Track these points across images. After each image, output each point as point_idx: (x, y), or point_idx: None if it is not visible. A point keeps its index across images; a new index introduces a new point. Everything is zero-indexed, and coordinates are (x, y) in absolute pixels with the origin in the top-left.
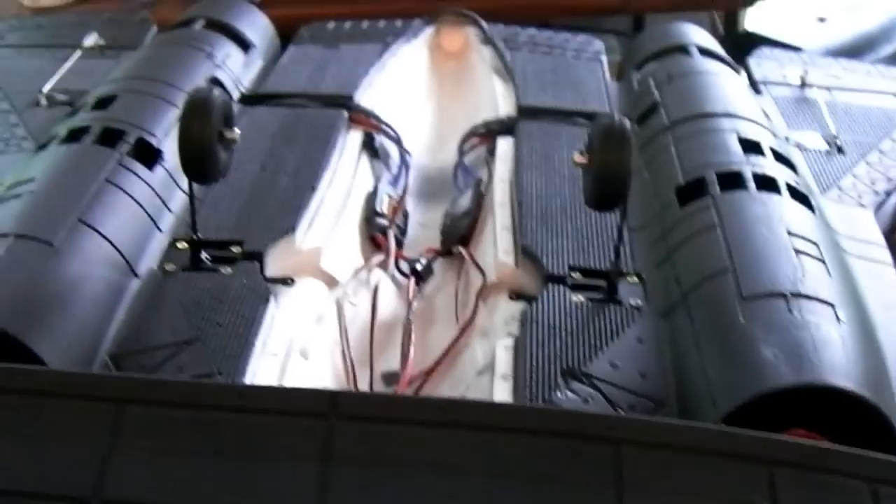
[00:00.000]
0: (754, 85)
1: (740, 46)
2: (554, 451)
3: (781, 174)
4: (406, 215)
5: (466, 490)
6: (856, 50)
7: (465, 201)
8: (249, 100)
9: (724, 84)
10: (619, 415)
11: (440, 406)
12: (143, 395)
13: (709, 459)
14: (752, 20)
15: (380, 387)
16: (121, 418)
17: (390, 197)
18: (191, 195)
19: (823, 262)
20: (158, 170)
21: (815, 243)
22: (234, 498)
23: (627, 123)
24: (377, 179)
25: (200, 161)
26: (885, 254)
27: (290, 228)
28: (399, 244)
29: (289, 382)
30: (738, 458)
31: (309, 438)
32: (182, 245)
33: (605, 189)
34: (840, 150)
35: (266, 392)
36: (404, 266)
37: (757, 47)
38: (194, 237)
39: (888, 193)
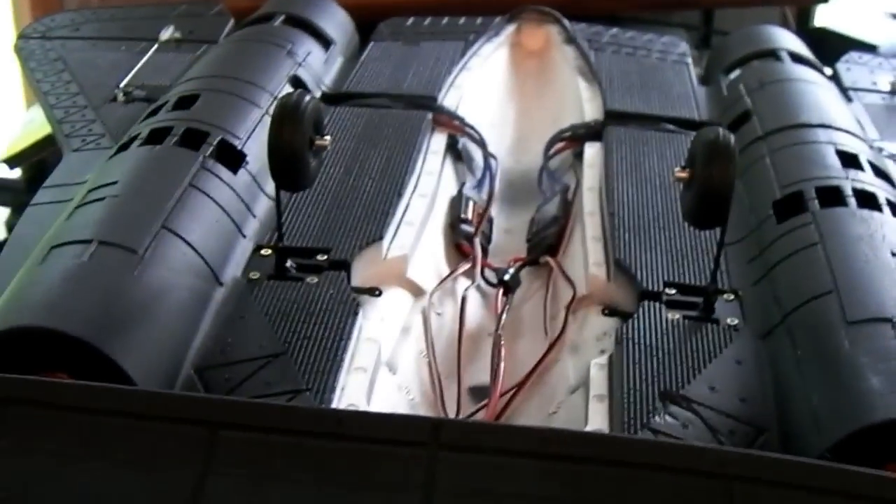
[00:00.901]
0: (844, 92)
1: (813, 42)
2: (664, 486)
3: (881, 189)
4: (491, 221)
5: None
6: None
7: (552, 208)
8: (331, 99)
9: (818, 93)
10: (730, 449)
11: (545, 437)
12: (237, 418)
13: (822, 498)
14: (822, 16)
15: (467, 402)
16: (214, 443)
17: (475, 202)
18: (278, 203)
19: None
20: (242, 173)
21: None
22: None
23: (733, 138)
24: (461, 184)
25: (291, 170)
26: None
27: (378, 236)
28: (485, 252)
29: (377, 398)
30: (852, 498)
31: (410, 468)
32: (267, 252)
33: (709, 207)
34: None
35: (365, 419)
36: (490, 275)
37: (828, 43)
38: (280, 244)
39: None
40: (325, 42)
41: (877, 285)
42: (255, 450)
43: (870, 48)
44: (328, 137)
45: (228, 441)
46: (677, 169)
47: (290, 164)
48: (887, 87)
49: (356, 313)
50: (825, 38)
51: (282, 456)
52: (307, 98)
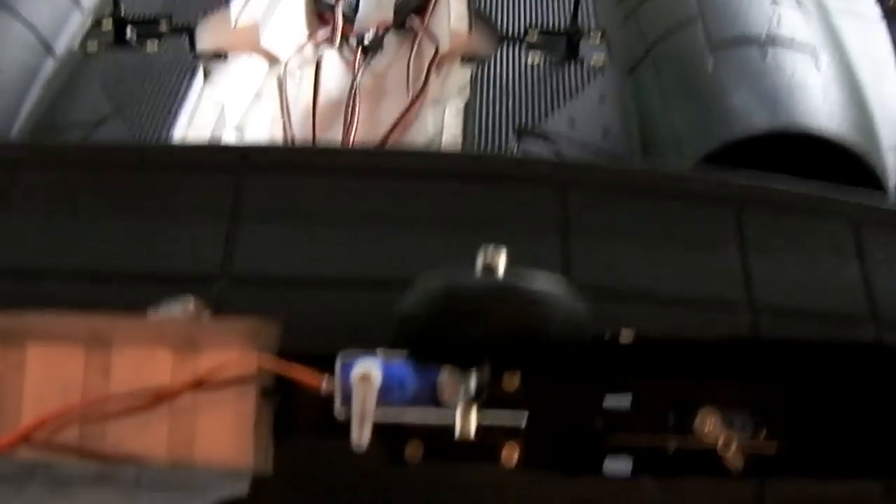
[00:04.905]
0: None
1: None
2: (494, 196)
3: None
4: None
5: (394, 242)
6: None
7: None
8: None
9: None
10: (566, 160)
11: (362, 153)
12: (34, 159)
13: (665, 202)
14: None
15: None
16: (11, 184)
17: None
18: None
19: (802, 9)
20: None
21: None
22: (138, 259)
23: None
24: None
25: None
26: (874, 10)
27: (224, 1)
28: (348, 20)
29: None
30: (700, 200)
31: (217, 194)
32: (106, 23)
33: None
34: None
35: (169, 150)
36: (353, 42)
37: None
38: (119, 14)
39: None
40: None
41: (745, 8)
42: (54, 188)
43: None
44: None
45: (27, 182)
46: None
47: None
48: None
49: (195, 73)
50: None
51: (81, 191)
52: None
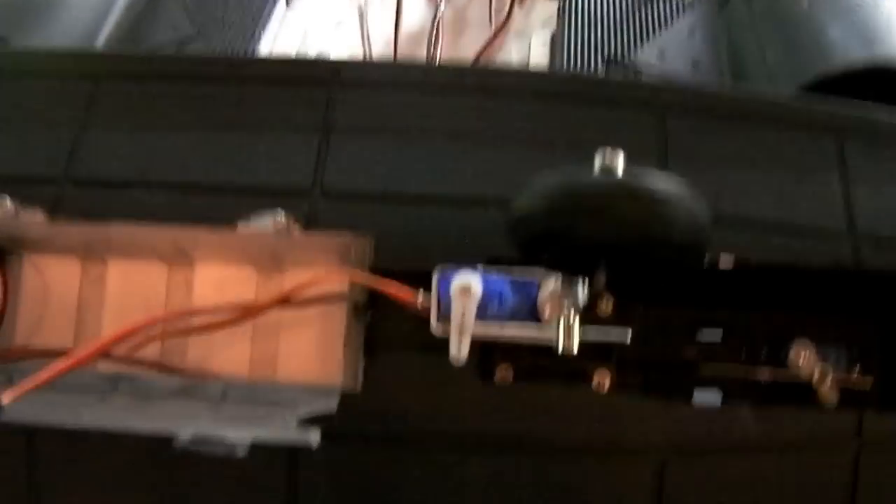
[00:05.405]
0: None
1: None
2: (592, 117)
3: None
4: None
5: (487, 159)
6: None
7: None
8: None
9: None
10: (666, 83)
11: (458, 71)
12: (119, 69)
13: (766, 128)
14: None
15: None
16: (96, 96)
17: None
18: None
19: None
20: None
21: None
22: (226, 171)
23: None
24: None
25: None
26: None
27: None
28: None
29: None
30: (800, 127)
31: (308, 108)
32: None
33: None
34: None
35: (260, 62)
36: None
37: None
38: None
39: None
40: None
41: None
42: (140, 99)
43: None
44: None
45: (110, 93)
46: None
47: None
48: None
49: None
50: None
51: (169, 103)
52: None
